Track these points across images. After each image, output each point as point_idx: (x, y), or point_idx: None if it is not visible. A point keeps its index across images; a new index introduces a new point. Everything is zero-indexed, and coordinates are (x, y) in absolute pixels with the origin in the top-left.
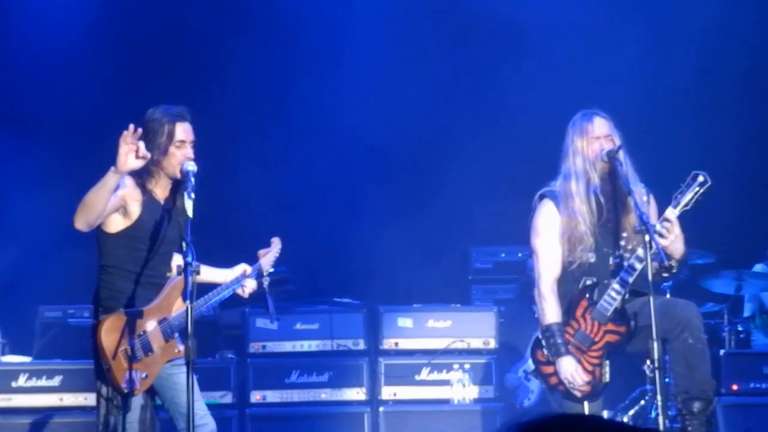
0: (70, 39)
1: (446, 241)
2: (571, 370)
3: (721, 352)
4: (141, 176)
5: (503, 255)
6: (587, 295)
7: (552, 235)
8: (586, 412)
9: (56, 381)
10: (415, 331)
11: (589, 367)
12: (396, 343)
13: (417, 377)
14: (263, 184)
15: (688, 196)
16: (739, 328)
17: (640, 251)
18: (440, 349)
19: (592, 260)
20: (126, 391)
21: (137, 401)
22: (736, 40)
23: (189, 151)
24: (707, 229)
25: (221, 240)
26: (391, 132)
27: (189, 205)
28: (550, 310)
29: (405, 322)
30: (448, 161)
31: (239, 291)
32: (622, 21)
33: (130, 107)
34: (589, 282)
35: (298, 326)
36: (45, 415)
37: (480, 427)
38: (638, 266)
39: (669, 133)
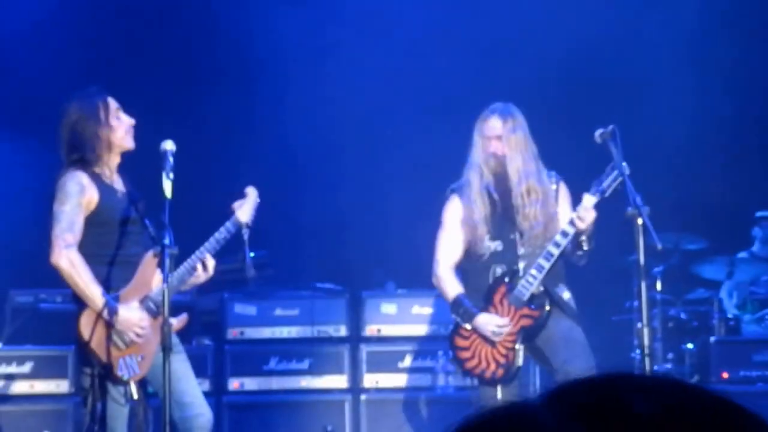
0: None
1: (429, 226)
2: (488, 321)
3: (711, 339)
4: (90, 165)
5: None
6: (505, 281)
7: (454, 228)
8: (499, 396)
9: (27, 368)
10: (398, 317)
11: (503, 351)
12: (379, 330)
13: (400, 364)
14: (242, 167)
15: (607, 183)
16: (729, 316)
17: (558, 237)
18: (424, 335)
19: (500, 249)
20: (125, 378)
21: (127, 390)
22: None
23: (129, 118)
24: (699, 214)
25: (197, 221)
26: (368, 112)
27: (168, 186)
28: (450, 286)
29: (388, 308)
30: (426, 140)
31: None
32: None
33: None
34: (499, 269)
35: (278, 312)
36: (15, 402)
37: (464, 415)
38: (555, 252)
39: (658, 111)
